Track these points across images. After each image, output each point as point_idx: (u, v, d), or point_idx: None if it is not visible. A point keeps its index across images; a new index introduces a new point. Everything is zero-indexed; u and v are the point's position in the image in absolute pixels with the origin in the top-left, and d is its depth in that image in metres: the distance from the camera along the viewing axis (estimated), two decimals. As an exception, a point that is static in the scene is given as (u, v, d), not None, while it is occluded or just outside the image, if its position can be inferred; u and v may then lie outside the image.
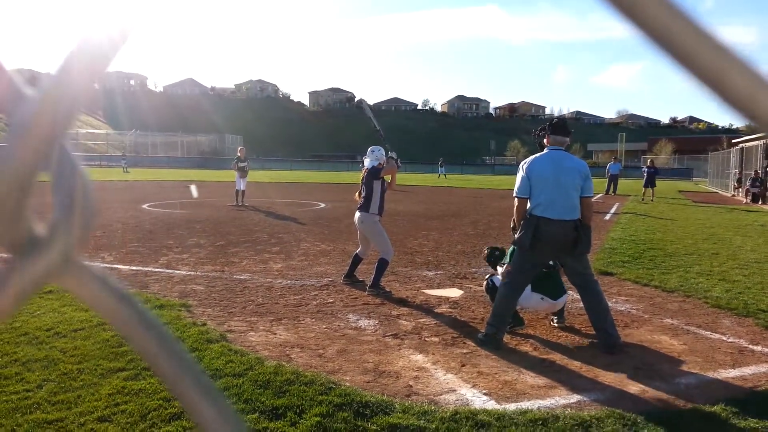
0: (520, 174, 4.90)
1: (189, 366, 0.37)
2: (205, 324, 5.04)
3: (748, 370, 4.27)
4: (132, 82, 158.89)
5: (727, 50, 0.28)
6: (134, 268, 7.52)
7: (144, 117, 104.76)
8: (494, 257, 5.81)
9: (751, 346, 4.81)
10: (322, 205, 18.08)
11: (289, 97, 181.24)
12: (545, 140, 4.97)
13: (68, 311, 5.16)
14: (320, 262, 8.21)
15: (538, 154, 4.96)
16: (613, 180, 25.37)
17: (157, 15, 0.35)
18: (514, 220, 5.10)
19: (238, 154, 17.17)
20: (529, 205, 4.80)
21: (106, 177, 31.84)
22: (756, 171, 24.35)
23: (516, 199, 4.91)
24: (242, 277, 7.10)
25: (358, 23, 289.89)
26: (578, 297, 5.13)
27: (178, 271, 7.36)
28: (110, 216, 13.22)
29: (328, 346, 4.63)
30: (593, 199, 5.04)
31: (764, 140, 24.92)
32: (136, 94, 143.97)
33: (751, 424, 3.30)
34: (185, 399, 0.37)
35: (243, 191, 16.84)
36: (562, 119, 5.29)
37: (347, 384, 3.86)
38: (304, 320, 5.34)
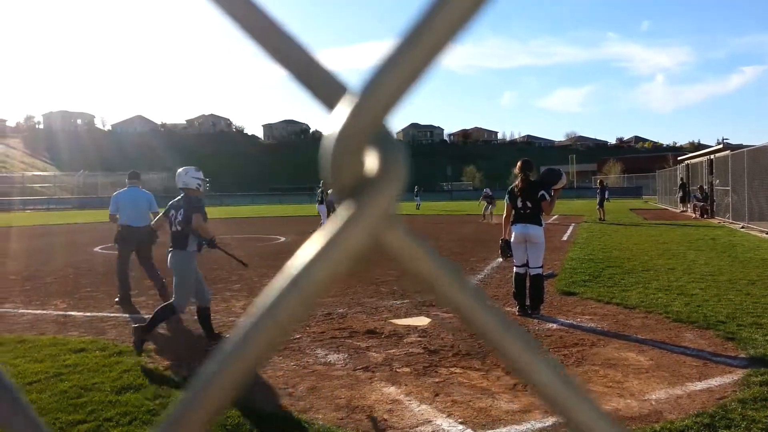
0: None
1: (504, 321, 0.35)
2: (167, 369, 4.85)
3: (713, 382, 4.36)
4: (79, 121, 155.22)
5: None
6: (89, 314, 7.22)
7: (91, 157, 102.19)
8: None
9: (714, 358, 4.92)
10: (282, 239, 17.88)
11: (242, 130, 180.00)
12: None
13: (21, 363, 4.89)
14: (284, 297, 8.06)
15: None
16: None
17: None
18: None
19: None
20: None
21: (55, 221, 30.79)
22: (701, 186, 25.35)
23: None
24: (204, 317, 6.90)
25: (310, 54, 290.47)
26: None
27: (135, 315, 7.10)
28: (61, 261, 12.74)
29: (298, 384, 4.52)
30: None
31: (708, 156, 26.03)
32: (82, 134, 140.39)
33: (723, 436, 3.35)
34: (520, 364, 0.34)
35: None
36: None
37: (320, 422, 3.75)
38: (271, 359, 5.21)
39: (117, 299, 7.77)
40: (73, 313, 7.31)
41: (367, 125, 0.33)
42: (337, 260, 0.31)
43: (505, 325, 0.33)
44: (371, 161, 0.33)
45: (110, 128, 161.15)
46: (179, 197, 5.91)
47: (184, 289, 5.56)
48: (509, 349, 0.33)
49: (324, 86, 0.34)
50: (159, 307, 5.58)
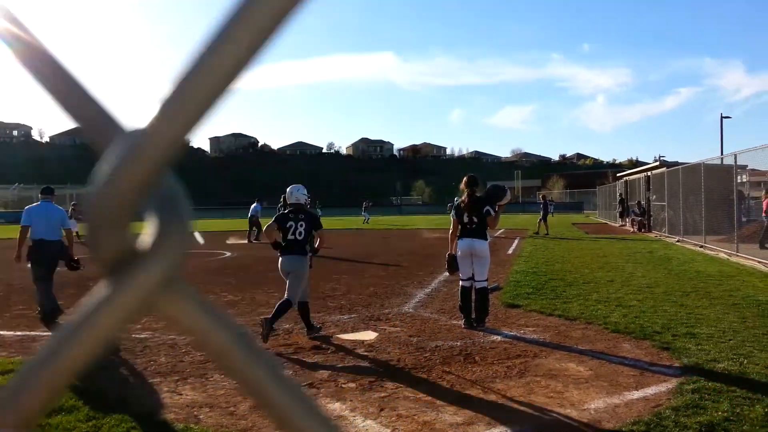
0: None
1: (301, 397, 0.33)
2: (102, 389, 4.65)
3: (649, 391, 4.50)
4: (15, 132, 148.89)
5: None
6: (20, 333, 6.88)
7: (28, 169, 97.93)
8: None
9: (650, 367, 5.08)
10: (228, 254, 17.53)
11: (188, 143, 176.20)
12: None
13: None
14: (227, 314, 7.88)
15: None
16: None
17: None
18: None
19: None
20: None
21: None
22: (639, 201, 26.35)
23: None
24: (142, 336, 6.66)
25: (258, 69, 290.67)
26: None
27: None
28: (-9, 278, 12.09)
29: (240, 403, 4.40)
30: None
31: (646, 173, 27.12)
32: (18, 146, 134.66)
33: (658, 443, 3.45)
34: None
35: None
36: None
37: (262, 441, 3.66)
38: (212, 377, 5.06)
39: (41, 317, 7.42)
40: (2, 332, 6.94)
41: (135, 184, 0.28)
42: (88, 344, 0.29)
43: (298, 400, 0.32)
44: (149, 224, 0.29)
45: (48, 140, 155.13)
46: (287, 210, 6.83)
47: (298, 286, 6.35)
48: (298, 423, 0.32)
49: (99, 129, 0.30)
50: (279, 303, 6.21)
